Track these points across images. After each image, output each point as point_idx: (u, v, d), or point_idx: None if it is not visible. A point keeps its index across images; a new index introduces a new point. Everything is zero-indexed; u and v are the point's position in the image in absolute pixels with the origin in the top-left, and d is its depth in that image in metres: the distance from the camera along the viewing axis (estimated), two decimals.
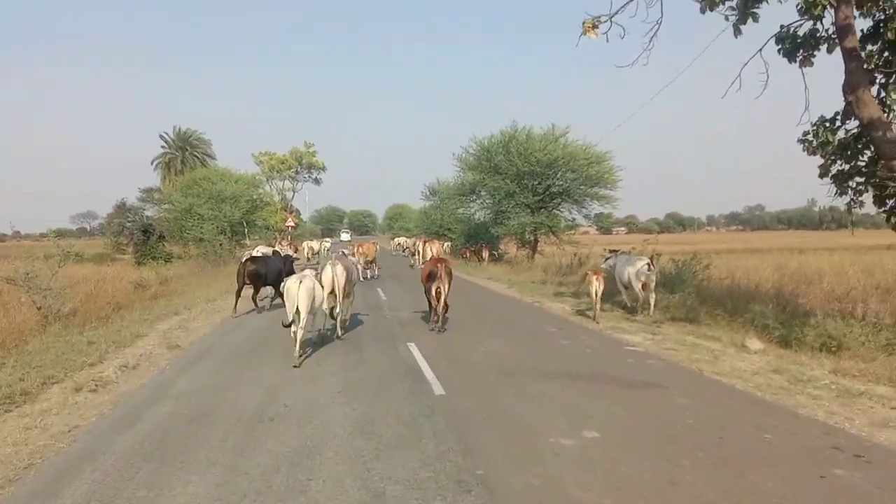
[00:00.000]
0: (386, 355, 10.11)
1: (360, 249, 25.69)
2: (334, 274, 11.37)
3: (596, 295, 13.47)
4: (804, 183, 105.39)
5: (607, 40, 10.11)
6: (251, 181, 40.74)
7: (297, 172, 77.40)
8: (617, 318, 13.82)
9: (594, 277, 13.56)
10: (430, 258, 15.51)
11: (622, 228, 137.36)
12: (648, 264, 13.75)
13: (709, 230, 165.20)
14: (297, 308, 9.40)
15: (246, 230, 43.77)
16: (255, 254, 24.32)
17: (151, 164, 60.64)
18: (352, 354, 10.24)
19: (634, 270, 13.91)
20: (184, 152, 58.80)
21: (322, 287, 10.58)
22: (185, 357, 10.29)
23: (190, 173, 42.59)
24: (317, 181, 77.03)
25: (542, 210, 31.60)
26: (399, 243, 48.03)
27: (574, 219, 32.47)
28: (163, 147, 61.59)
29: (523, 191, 30.76)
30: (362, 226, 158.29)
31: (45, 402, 7.51)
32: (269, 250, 29.33)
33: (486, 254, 31.71)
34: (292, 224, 58.88)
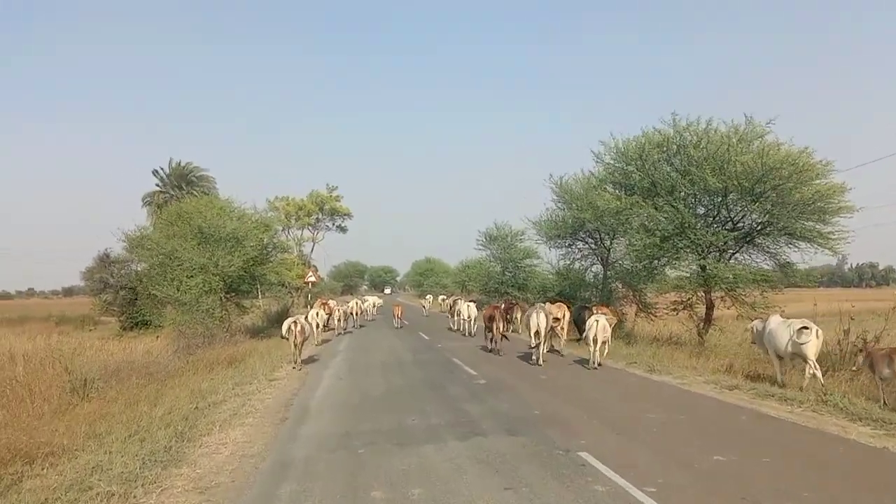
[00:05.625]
0: None
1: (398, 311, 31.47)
2: (538, 318, 15.77)
3: None
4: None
5: None
6: (262, 220, 28.30)
7: (317, 220, 66.80)
8: None
9: None
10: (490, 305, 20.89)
11: None
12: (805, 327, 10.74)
13: None
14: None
15: (259, 287, 32.14)
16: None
17: (142, 203, 49.45)
18: None
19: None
20: (181, 191, 47.46)
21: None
22: None
23: (174, 205, 30.83)
24: (341, 229, 66.17)
25: (722, 255, 19.37)
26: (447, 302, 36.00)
27: (768, 268, 19.96)
28: (157, 186, 50.54)
29: (702, 222, 18.68)
30: (383, 282, 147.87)
31: None
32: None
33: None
34: (313, 280, 47.43)
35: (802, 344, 10.69)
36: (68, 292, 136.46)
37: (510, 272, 38.36)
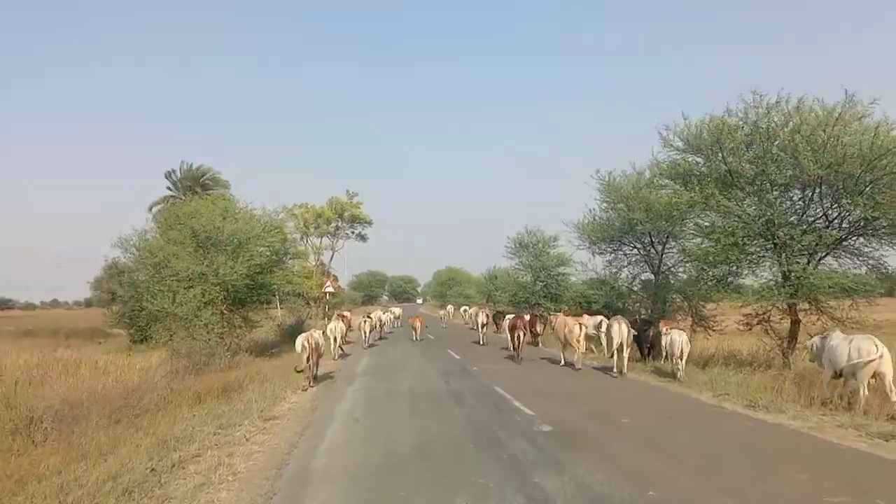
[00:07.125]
0: None
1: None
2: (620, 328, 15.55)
3: None
4: None
5: None
6: (272, 223, 24.96)
7: (337, 228, 64.20)
8: None
9: None
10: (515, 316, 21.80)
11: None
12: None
13: None
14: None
15: (278, 297, 29.89)
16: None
17: (149, 210, 46.80)
18: None
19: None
20: (192, 195, 44.83)
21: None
22: None
23: (172, 207, 28.08)
24: (361, 237, 63.56)
25: (811, 258, 16.05)
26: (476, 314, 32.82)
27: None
28: (169, 189, 48.06)
29: (787, 218, 15.49)
30: (403, 292, 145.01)
31: None
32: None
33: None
34: (331, 290, 44.61)
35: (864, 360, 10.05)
36: (89, 303, 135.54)
37: (542, 281, 35.09)
